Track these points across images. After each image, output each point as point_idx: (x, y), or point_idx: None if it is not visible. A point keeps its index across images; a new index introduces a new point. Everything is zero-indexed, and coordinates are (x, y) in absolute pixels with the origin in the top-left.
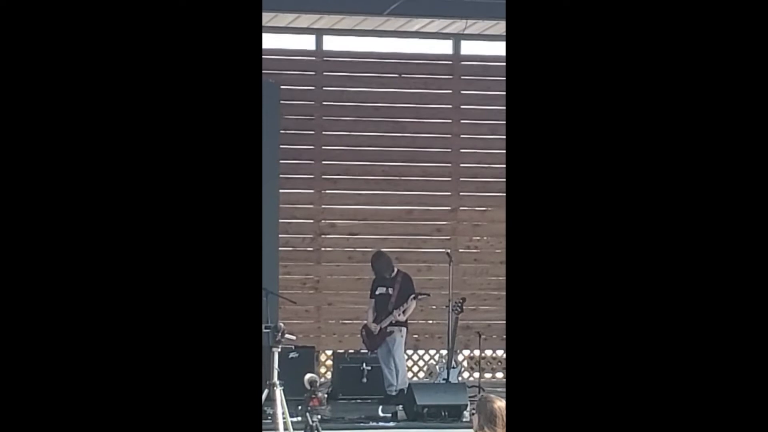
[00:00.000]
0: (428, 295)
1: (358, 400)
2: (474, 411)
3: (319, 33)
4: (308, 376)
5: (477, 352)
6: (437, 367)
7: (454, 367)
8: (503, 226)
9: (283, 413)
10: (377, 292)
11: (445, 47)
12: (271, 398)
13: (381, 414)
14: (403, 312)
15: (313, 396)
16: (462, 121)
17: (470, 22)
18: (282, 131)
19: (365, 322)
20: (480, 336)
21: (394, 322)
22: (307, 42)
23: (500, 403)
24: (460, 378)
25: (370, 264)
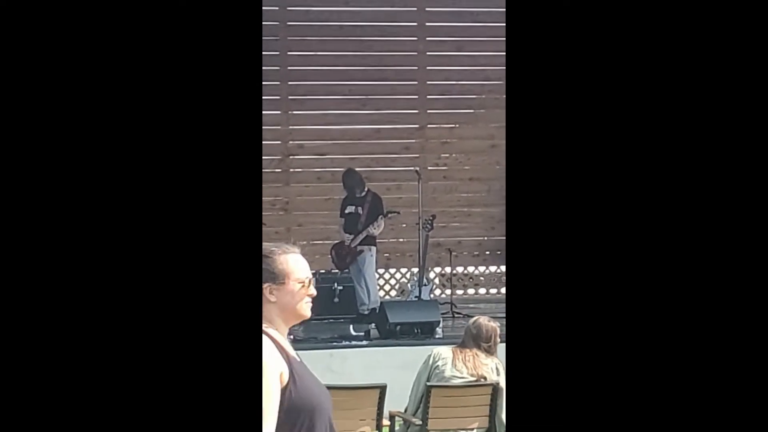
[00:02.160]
0: (398, 212)
1: (331, 320)
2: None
3: None
4: None
5: (448, 269)
6: (409, 285)
7: (425, 285)
8: (471, 142)
9: None
10: (347, 211)
11: None
12: None
13: (353, 333)
14: (376, 227)
15: None
16: (428, 39)
17: None
18: None
19: (335, 242)
20: (451, 253)
21: (366, 237)
22: None
23: (483, 321)
24: (432, 295)
25: (339, 183)
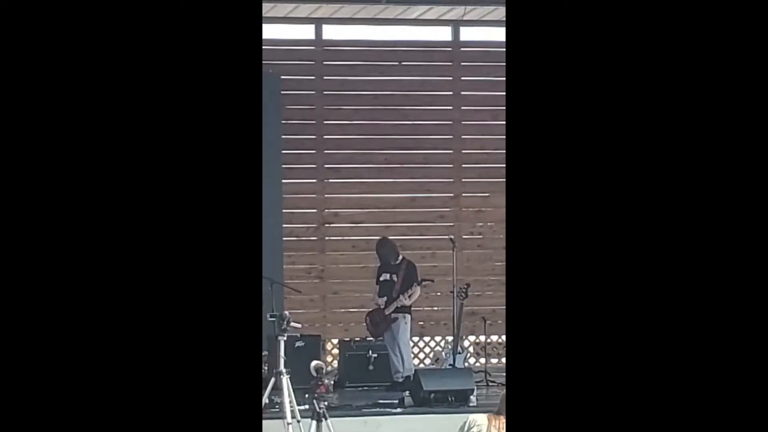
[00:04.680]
0: (432, 281)
1: (365, 388)
2: None
3: (319, 22)
4: (314, 363)
5: (482, 338)
6: (443, 353)
7: (459, 353)
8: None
9: (290, 401)
10: (381, 279)
11: (444, 34)
12: (277, 387)
13: (388, 400)
14: (409, 297)
15: (320, 383)
16: (463, 108)
17: (469, 8)
18: (283, 121)
19: (370, 309)
20: (485, 321)
21: (399, 306)
22: (306, 32)
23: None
24: (466, 363)
25: (374, 252)
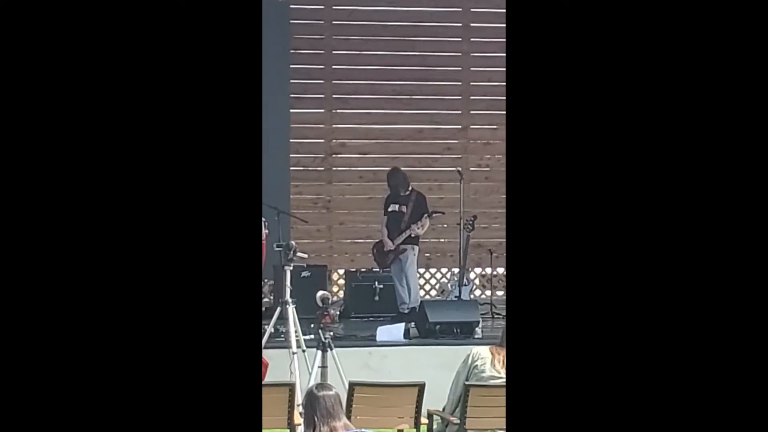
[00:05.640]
0: (443, 213)
1: (371, 318)
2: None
3: None
4: (320, 293)
5: (489, 270)
6: (449, 285)
7: (465, 285)
8: None
9: (295, 331)
10: (390, 209)
11: None
12: (283, 316)
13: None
14: (421, 226)
15: (325, 313)
16: (472, 40)
17: None
18: (292, 51)
19: (377, 240)
20: (491, 254)
21: (412, 235)
22: None
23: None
24: (471, 295)
25: (381, 183)
